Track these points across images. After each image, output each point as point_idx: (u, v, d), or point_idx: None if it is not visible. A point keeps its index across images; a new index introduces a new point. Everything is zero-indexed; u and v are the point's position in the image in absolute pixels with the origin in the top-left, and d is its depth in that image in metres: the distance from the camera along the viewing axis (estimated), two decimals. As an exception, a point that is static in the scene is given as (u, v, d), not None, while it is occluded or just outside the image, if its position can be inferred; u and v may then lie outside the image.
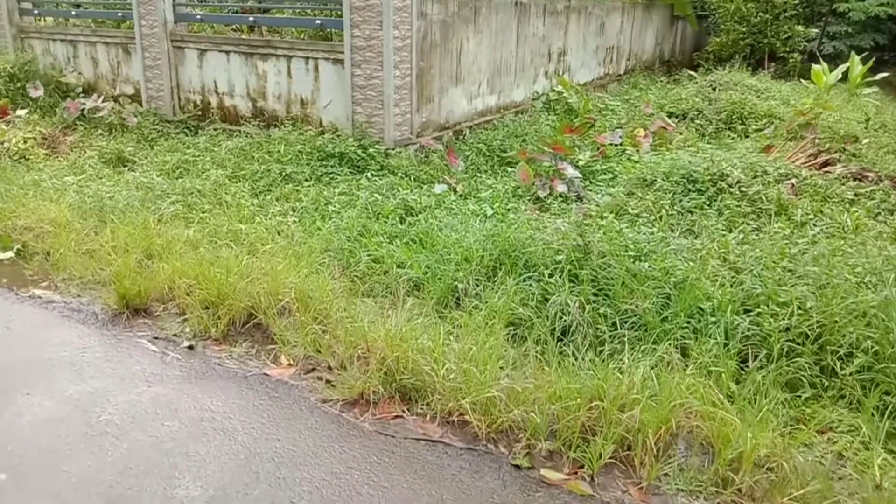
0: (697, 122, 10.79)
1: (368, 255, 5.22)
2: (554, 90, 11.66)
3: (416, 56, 7.75)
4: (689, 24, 18.75)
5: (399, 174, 7.16)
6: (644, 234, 5.26)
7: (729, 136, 10.26)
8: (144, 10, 8.93)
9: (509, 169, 8.09)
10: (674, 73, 17.29)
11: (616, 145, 8.05)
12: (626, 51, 15.44)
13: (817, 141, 9.46)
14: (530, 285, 4.53)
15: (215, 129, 8.63)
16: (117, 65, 9.86)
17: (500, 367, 3.65)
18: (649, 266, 4.58)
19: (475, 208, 6.17)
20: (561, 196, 6.42)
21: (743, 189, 6.29)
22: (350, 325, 4.05)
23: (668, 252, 4.85)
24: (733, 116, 10.72)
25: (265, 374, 3.95)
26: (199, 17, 8.87)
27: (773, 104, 11.02)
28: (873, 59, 11.95)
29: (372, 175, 7.03)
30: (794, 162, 8.18)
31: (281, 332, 4.21)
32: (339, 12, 7.64)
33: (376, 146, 7.47)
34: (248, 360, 4.11)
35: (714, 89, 11.84)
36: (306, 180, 6.91)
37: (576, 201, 6.28)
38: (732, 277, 4.54)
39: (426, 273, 4.88)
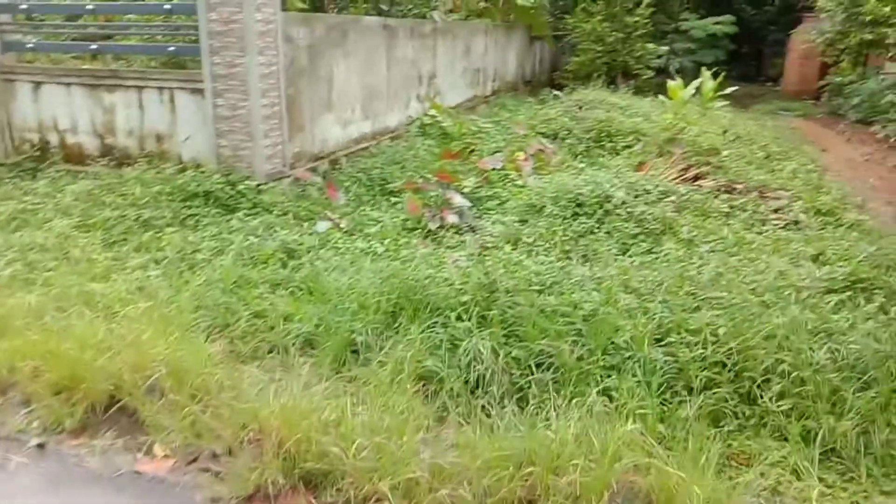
0: (568, 141, 10.95)
1: (249, 310, 4.65)
2: (427, 114, 11.47)
3: (284, 83, 7.23)
4: (546, 45, 19.35)
5: (275, 212, 6.59)
6: (543, 263, 5.06)
7: (599, 154, 10.47)
8: (-39, 39, 7.79)
9: (393, 199, 7.73)
10: (537, 93, 17.73)
11: (498, 170, 7.90)
12: (491, 72, 15.60)
13: (685, 155, 9.86)
14: (436, 332, 4.16)
15: (57, 172, 7.62)
16: (-69, 101, 8.55)
17: (417, 436, 3.24)
18: (556, 300, 4.36)
19: (364, 246, 5.74)
20: (453, 227, 6.13)
21: (629, 210, 6.29)
22: (235, 401, 3.49)
23: (572, 283, 4.66)
24: (601, 134, 10.97)
25: (137, 472, 3.30)
26: (30, 45, 7.84)
27: (637, 121, 11.40)
28: (723, 74, 12.70)
29: (244, 215, 6.41)
30: (667, 178, 8.42)
31: (152, 417, 3.57)
32: (195, 37, 6.98)
33: (246, 182, 6.86)
34: (114, 455, 3.43)
35: (580, 108, 12.12)
36: (168, 225, 6.17)
37: (469, 232, 6.01)
38: (638, 306, 4.41)
39: (318, 326, 4.39)
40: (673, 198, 6.83)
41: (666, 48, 18.32)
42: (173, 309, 4.58)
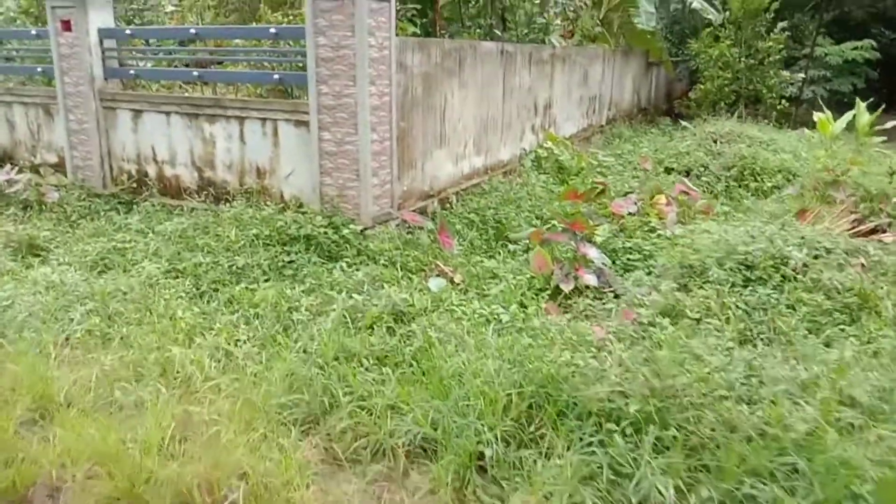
0: (704, 178, 9.73)
1: (350, 395, 3.79)
2: (542, 146, 10.51)
3: (395, 115, 6.46)
4: (662, 71, 18.05)
5: (381, 261, 5.78)
6: (719, 349, 3.94)
7: (741, 195, 9.19)
8: (67, 65, 7.50)
9: (510, 246, 6.79)
10: (654, 122, 16.44)
11: (633, 215, 6.81)
12: (607, 100, 14.49)
13: (850, 201, 8.42)
14: (591, 450, 3.14)
15: (153, 205, 7.16)
16: (38, 128, 8.36)
17: None
18: (751, 414, 3.25)
19: (485, 311, 4.79)
20: (589, 289, 5.10)
21: (812, 275, 5.06)
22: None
23: (767, 385, 3.53)
24: (744, 172, 9.67)
25: None
26: (132, 72, 7.46)
27: (783, 157, 10.01)
28: (882, 106, 11.09)
29: (348, 265, 5.63)
30: (839, 230, 7.06)
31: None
32: (302, 64, 6.33)
33: (351, 225, 6.09)
34: None
35: (715, 141, 10.82)
36: (264, 275, 5.47)
37: (612, 297, 4.96)
38: (867, 426, 3.23)
39: (435, 427, 3.47)
40: (861, 259, 5.53)
41: (801, 76, 16.62)
42: (261, 389, 3.78)
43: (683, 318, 4.48)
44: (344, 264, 5.61)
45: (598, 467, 3.04)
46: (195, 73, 7.02)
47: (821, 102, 13.52)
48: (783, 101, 15.58)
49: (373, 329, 4.57)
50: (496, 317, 4.70)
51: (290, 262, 5.69)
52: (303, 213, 6.27)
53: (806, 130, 11.78)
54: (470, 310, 4.84)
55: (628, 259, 5.84)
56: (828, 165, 8.71)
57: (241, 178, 6.90)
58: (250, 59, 7.40)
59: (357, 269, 5.54)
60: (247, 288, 5.18)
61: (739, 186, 9.41)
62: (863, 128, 11.42)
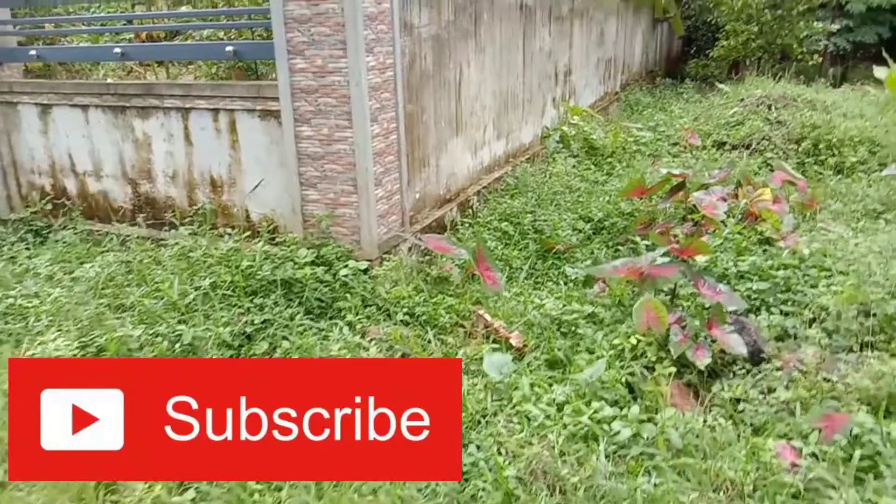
0: (768, 154, 7.96)
1: None
2: (567, 122, 8.66)
3: (402, 96, 4.58)
4: (665, 29, 16.21)
5: (399, 315, 3.95)
6: None
7: (818, 173, 7.44)
8: (-56, 47, 5.50)
9: (562, 265, 5.02)
10: (665, 85, 14.63)
11: (730, 219, 4.99)
12: (621, 62, 12.64)
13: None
14: None
15: (75, 233, 5.23)
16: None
17: None
18: None
19: (581, 414, 2.99)
20: (735, 360, 3.31)
21: None
22: None
23: None
24: (818, 145, 7.91)
25: None
26: (34, 53, 5.46)
27: (860, 124, 8.24)
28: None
29: (349, 327, 3.80)
30: None
31: None
32: (267, 31, 4.42)
33: (350, 261, 4.24)
34: None
35: (770, 107, 9.03)
36: (224, 352, 3.62)
37: (772, 370, 3.18)
38: None
39: None
40: None
41: (835, 26, 14.81)
42: None
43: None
44: (345, 327, 3.78)
45: None
46: (117, 51, 5.03)
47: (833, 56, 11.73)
48: (815, 56, 13.83)
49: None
50: (603, 425, 2.90)
51: (264, 324, 3.84)
52: (279, 244, 4.41)
53: (870, 89, 10.04)
54: (554, 411, 3.04)
55: (751, 293, 4.04)
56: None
57: (191, 193, 5.00)
58: (188, 28, 5.44)
59: (361, 335, 3.72)
60: (199, 382, 3.33)
61: (816, 163, 7.65)
62: (938, 83, 9.70)
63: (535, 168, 7.28)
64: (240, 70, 5.26)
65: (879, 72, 9.18)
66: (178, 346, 3.58)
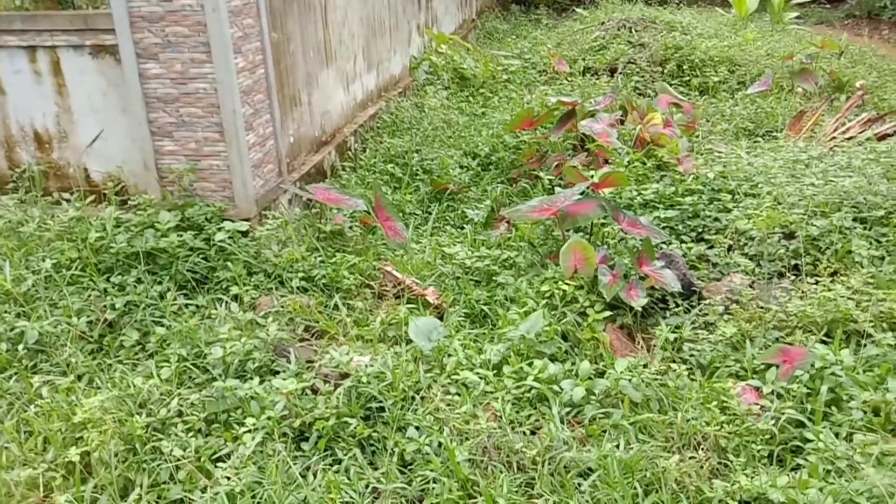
0: (635, 78, 7.95)
1: None
2: (434, 51, 8.17)
3: (266, 21, 3.90)
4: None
5: (294, 281, 3.41)
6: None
7: (685, 94, 7.53)
8: None
9: (458, 206, 4.67)
10: (515, 13, 14.36)
11: (627, 149, 4.80)
12: (475, -13, 12.20)
13: (820, 93, 7.03)
14: None
15: None
16: None
17: None
18: None
19: (526, 375, 2.67)
20: (670, 295, 3.13)
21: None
22: None
23: None
24: (682, 66, 8.01)
25: None
26: None
27: (716, 44, 8.43)
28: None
29: (236, 299, 3.23)
30: (847, 135, 5.58)
31: None
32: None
33: (222, 219, 3.62)
34: None
35: (630, 30, 9.03)
36: (83, 349, 2.94)
37: (696, 302, 3.02)
38: None
39: None
40: None
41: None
42: None
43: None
44: (230, 300, 3.20)
45: None
46: None
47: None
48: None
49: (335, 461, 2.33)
50: (553, 386, 2.61)
51: (128, 308, 3.17)
52: (133, 208, 3.67)
53: (719, 10, 10.34)
54: (492, 375, 2.70)
55: (659, 222, 3.88)
56: (785, 52, 7.21)
57: (10, 153, 4.05)
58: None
59: (254, 306, 3.17)
60: (53, 392, 2.65)
61: (681, 84, 7.75)
62: (779, 5, 10.14)
63: (409, 102, 6.79)
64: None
65: (733, -8, 9.42)
66: (21, 347, 2.85)
